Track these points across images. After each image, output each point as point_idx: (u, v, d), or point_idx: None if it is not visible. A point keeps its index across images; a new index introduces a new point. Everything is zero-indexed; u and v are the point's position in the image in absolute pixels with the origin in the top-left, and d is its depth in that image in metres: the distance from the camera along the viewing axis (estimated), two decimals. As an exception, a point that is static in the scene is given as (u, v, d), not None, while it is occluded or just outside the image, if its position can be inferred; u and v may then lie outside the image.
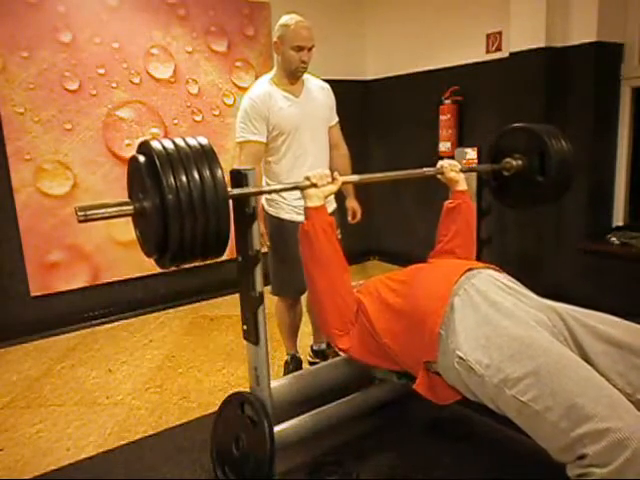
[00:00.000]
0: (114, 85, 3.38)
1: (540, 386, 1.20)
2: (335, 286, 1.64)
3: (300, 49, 2.21)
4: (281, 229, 2.35)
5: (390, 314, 1.60)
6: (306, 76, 2.39)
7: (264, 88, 2.28)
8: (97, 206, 1.28)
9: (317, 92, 2.44)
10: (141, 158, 1.30)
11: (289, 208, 2.35)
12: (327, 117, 2.48)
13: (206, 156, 1.31)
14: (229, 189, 1.42)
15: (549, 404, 1.17)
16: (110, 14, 3.30)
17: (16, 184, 3.13)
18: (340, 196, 2.36)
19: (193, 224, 1.25)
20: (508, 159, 2.07)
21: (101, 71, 3.32)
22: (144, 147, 1.33)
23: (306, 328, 3.20)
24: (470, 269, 1.58)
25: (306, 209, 1.63)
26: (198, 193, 1.25)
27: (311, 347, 2.81)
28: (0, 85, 3.02)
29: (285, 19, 2.25)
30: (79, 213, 1.23)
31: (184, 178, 1.24)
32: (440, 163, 1.99)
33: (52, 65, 3.15)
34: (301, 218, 1.96)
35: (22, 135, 3.11)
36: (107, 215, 1.29)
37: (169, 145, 1.30)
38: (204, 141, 1.35)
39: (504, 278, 1.58)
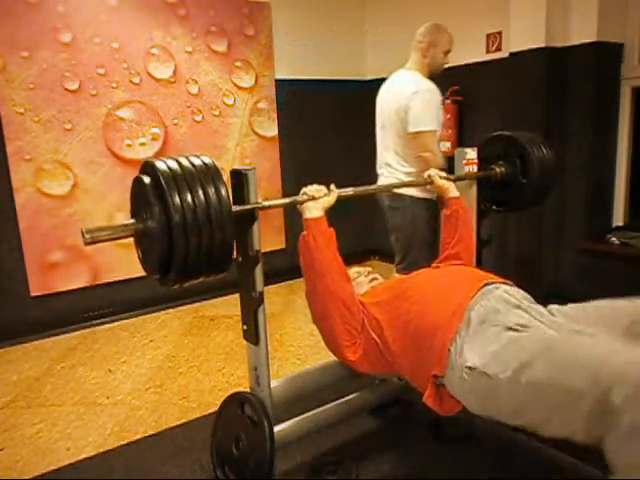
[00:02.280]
0: (114, 85, 3.38)
1: (556, 359, 1.19)
2: (339, 295, 1.63)
3: (448, 53, 2.54)
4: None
5: (399, 323, 1.58)
6: None
7: (427, 84, 2.49)
8: (103, 228, 1.31)
9: None
10: (146, 179, 1.30)
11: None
12: None
13: (210, 174, 1.32)
14: (234, 207, 1.42)
15: (571, 372, 1.15)
16: (110, 14, 3.30)
17: (16, 184, 3.13)
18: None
19: (198, 244, 1.26)
20: (492, 166, 2.17)
21: (101, 71, 3.32)
22: (148, 167, 1.33)
23: (306, 327, 3.21)
24: (487, 283, 1.55)
25: (305, 220, 1.63)
26: (203, 213, 1.26)
27: None
28: (0, 85, 3.02)
29: (434, 26, 2.56)
30: (86, 235, 1.26)
31: (189, 199, 1.25)
32: (427, 173, 2.04)
33: (52, 65, 3.15)
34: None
35: (22, 135, 3.11)
36: (113, 236, 1.33)
37: (174, 165, 1.30)
38: (207, 160, 1.36)
39: (518, 293, 1.55)
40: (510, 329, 1.37)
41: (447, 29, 2.57)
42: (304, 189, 1.67)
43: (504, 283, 1.61)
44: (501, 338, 1.36)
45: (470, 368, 1.35)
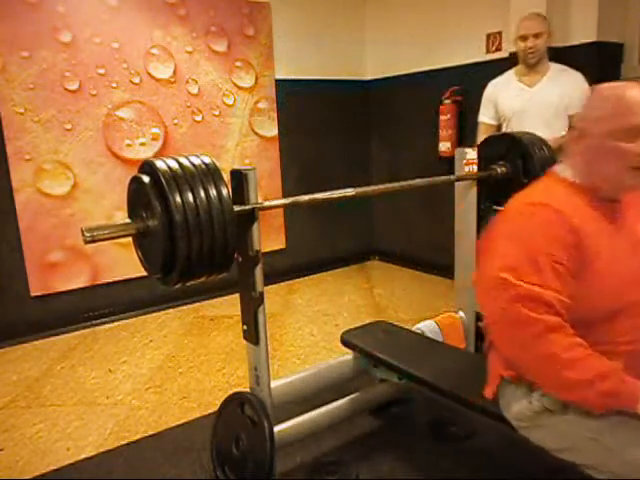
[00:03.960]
0: (114, 85, 3.38)
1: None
2: None
3: (524, 38, 2.61)
4: None
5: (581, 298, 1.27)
6: (555, 66, 2.70)
7: (503, 77, 2.81)
8: (102, 227, 1.32)
9: (560, 81, 2.66)
10: (145, 178, 1.30)
11: None
12: (565, 105, 2.62)
13: (211, 174, 1.32)
14: (235, 207, 1.41)
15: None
16: (110, 14, 3.30)
17: (16, 184, 3.13)
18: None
19: (200, 244, 1.26)
20: (493, 166, 2.18)
21: (101, 71, 3.32)
22: (147, 167, 1.33)
23: (306, 327, 3.20)
24: None
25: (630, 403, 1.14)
26: (205, 212, 1.26)
27: None
28: (0, 85, 3.02)
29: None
30: (86, 234, 1.27)
31: (190, 197, 1.26)
32: None
33: (52, 65, 3.15)
34: None
35: (22, 135, 3.11)
36: (113, 235, 1.33)
37: (174, 164, 1.30)
38: (207, 159, 1.36)
39: None
40: None
41: (525, 15, 2.70)
42: None
43: None
44: None
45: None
